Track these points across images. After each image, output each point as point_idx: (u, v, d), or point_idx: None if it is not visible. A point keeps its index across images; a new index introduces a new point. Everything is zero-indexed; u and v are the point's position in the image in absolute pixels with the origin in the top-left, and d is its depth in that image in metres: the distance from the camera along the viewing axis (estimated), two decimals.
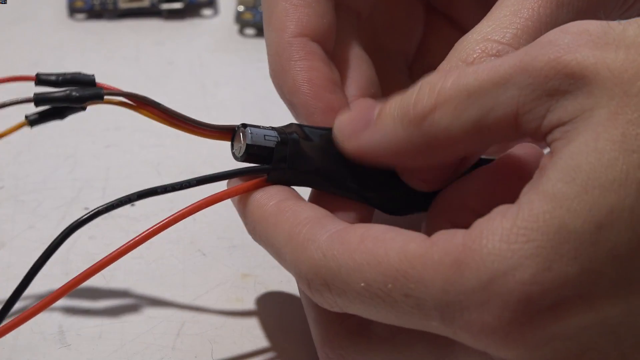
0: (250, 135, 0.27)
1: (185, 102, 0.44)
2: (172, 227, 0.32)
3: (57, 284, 0.32)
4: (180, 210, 0.27)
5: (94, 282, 0.32)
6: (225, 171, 0.28)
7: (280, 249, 0.26)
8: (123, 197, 0.28)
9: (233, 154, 0.28)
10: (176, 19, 0.50)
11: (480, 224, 0.23)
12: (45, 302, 0.27)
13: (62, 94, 0.27)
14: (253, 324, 0.31)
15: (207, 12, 0.52)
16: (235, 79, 0.46)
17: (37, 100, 0.27)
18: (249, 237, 0.35)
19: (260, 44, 0.51)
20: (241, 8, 0.49)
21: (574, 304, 0.22)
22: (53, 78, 0.27)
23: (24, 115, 0.28)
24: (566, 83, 0.23)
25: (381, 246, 0.24)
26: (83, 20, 0.51)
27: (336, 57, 0.31)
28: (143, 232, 0.27)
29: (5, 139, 0.40)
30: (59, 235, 0.27)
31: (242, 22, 0.49)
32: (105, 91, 0.27)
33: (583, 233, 0.21)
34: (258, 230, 0.27)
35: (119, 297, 0.32)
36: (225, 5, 0.52)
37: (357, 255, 0.24)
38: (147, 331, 0.30)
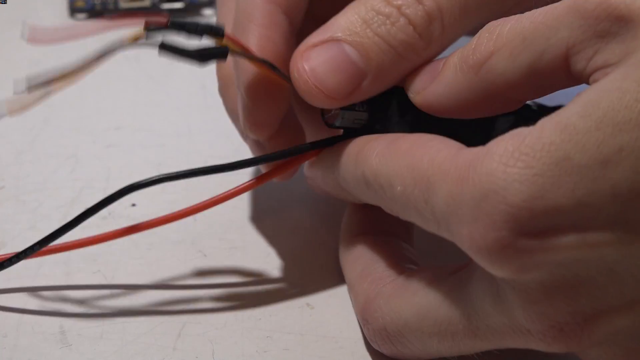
0: (340, 120, 0.29)
1: (186, 101, 0.44)
2: (173, 228, 0.32)
3: (58, 283, 0.32)
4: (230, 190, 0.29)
5: (94, 282, 0.32)
6: (295, 147, 0.30)
7: (346, 167, 0.28)
8: (181, 171, 0.29)
9: (323, 118, 0.29)
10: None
11: (492, 142, 0.23)
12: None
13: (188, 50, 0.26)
14: (254, 324, 0.31)
15: (207, 11, 0.52)
16: None
17: (163, 46, 0.27)
18: (250, 239, 0.35)
19: None
20: None
21: (565, 233, 0.22)
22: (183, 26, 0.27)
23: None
24: (616, 26, 0.23)
25: (419, 152, 0.25)
26: (84, 20, 0.51)
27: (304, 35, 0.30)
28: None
29: (5, 138, 0.40)
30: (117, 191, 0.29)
31: None
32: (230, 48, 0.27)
33: (586, 167, 0.21)
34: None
35: (120, 298, 0.32)
36: None
37: (402, 160, 0.25)
38: (148, 332, 0.30)
